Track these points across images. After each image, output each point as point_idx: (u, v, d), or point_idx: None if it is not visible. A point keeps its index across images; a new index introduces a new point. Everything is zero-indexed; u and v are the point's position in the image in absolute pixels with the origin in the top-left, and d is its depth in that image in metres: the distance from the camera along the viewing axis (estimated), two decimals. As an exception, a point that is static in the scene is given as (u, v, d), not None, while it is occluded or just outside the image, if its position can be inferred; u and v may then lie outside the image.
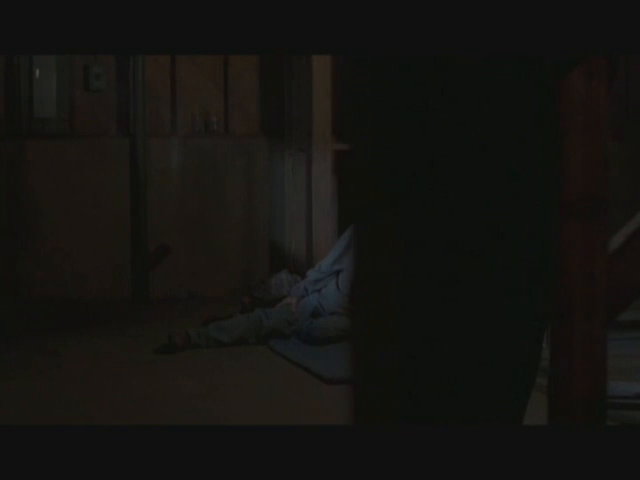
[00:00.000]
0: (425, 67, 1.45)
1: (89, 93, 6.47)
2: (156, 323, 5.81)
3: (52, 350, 5.14)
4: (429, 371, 1.51)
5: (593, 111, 1.50)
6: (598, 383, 1.56)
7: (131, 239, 6.58)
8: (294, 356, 4.92)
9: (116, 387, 4.43)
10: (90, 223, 6.50)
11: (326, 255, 5.92)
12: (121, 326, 5.78)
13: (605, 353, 1.57)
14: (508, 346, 1.56)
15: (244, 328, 5.22)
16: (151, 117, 6.57)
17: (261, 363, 4.90)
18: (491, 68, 1.45)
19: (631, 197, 5.75)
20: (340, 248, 5.57)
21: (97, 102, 6.51)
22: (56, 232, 6.44)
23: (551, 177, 1.51)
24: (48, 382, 4.51)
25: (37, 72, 6.32)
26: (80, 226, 6.48)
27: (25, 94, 6.33)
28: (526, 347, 1.60)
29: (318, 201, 6.28)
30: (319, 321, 5.30)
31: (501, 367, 1.55)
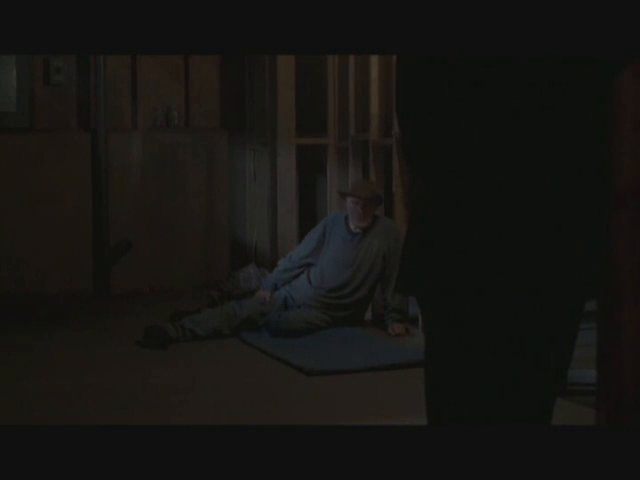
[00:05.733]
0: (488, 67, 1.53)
1: (49, 87, 6.42)
2: (122, 318, 5.80)
3: (22, 346, 5.10)
4: None
5: (640, 108, 1.61)
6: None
7: (92, 233, 6.54)
8: (269, 348, 4.92)
9: (90, 382, 4.40)
10: (51, 218, 6.45)
11: (292, 248, 5.96)
12: (87, 321, 5.75)
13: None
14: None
15: (218, 320, 5.23)
16: (112, 111, 6.54)
17: (237, 356, 4.90)
18: (550, 69, 1.54)
19: None
20: (312, 242, 5.58)
21: (57, 96, 6.45)
22: (17, 227, 6.37)
23: (605, 170, 1.61)
24: (21, 379, 4.47)
25: (-4, 66, 6.25)
26: (41, 221, 6.43)
27: (-16, 88, 6.26)
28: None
29: (282, 195, 6.31)
30: (287, 314, 5.32)
31: None
